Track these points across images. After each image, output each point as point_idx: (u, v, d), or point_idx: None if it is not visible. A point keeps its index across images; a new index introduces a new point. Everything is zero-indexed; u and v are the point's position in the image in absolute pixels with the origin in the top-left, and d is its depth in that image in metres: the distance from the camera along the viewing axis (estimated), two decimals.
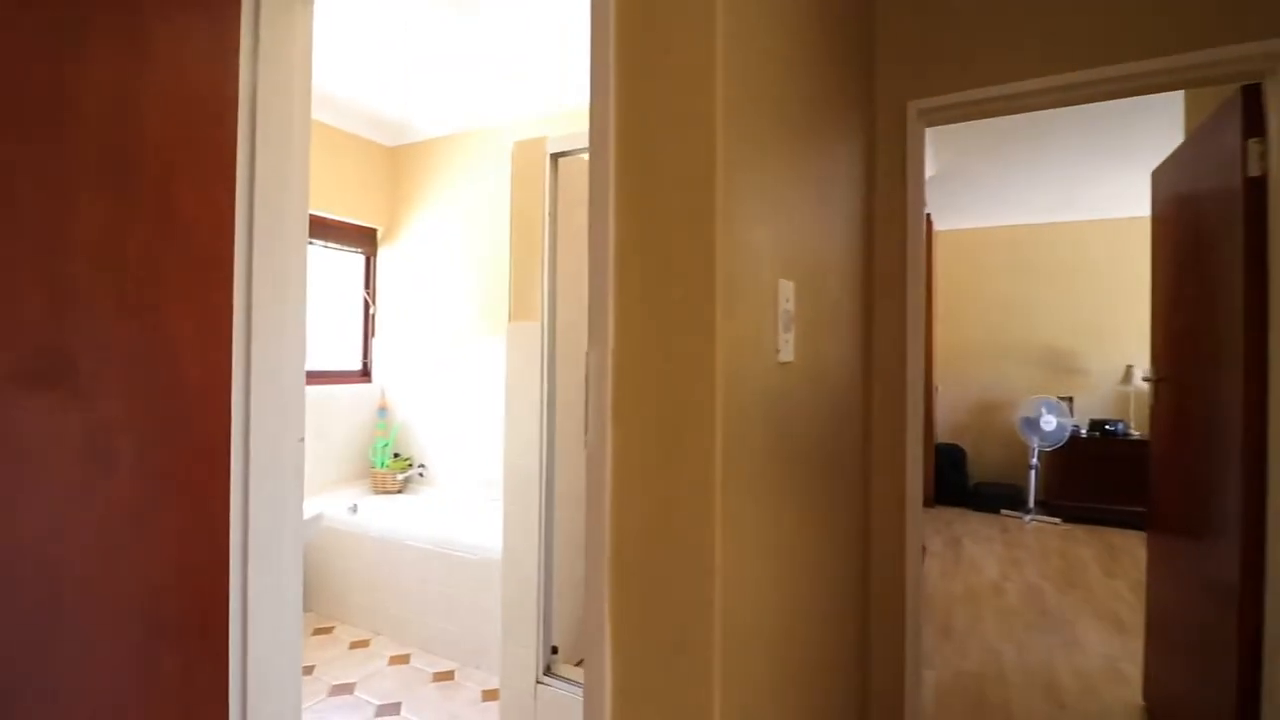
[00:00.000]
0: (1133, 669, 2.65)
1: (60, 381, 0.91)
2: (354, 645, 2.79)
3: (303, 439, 1.31)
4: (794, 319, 1.03)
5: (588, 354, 0.83)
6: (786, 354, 0.99)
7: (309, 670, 2.55)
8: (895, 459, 1.89)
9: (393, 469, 3.70)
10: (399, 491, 3.71)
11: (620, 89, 0.89)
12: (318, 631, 2.92)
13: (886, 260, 1.91)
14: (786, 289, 1.00)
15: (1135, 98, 2.06)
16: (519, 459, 2.29)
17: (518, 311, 2.32)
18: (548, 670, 2.20)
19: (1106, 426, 5.17)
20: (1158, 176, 2.45)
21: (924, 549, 2.51)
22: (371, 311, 4.03)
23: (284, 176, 1.25)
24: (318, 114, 3.52)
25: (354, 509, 3.44)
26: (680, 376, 0.78)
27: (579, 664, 2.41)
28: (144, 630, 1.02)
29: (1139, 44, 1.66)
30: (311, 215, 3.66)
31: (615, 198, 0.89)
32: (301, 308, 1.32)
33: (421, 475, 3.77)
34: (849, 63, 1.62)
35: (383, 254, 4.05)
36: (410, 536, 2.79)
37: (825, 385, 1.30)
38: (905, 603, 1.89)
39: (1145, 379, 2.48)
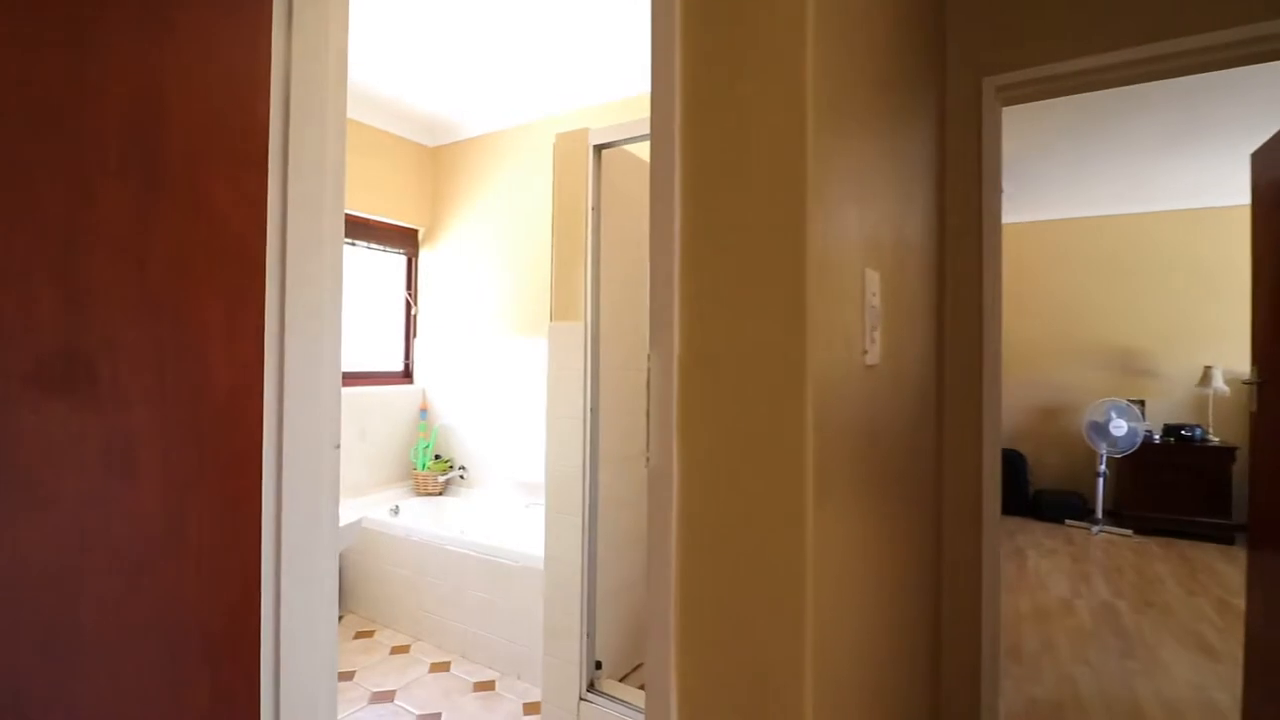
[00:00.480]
0: (1226, 699, 2.41)
1: (78, 385, 0.85)
2: (395, 650, 2.75)
3: (339, 445, 1.23)
4: (880, 315, 0.90)
5: (649, 356, 0.73)
6: (873, 355, 0.86)
7: (349, 676, 2.51)
8: (970, 469, 1.73)
9: (434, 471, 3.67)
10: (440, 493, 3.68)
11: (688, 72, 0.78)
12: (359, 635, 2.89)
13: (959, 254, 1.76)
14: (873, 281, 0.87)
15: (1230, 70, 1.85)
16: (561, 463, 2.20)
17: (559, 311, 2.23)
18: (591, 686, 2.10)
19: (1182, 432, 4.82)
20: (1260, 159, 2.21)
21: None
22: (413, 313, 4.02)
23: (320, 165, 1.18)
24: (358, 114, 3.51)
25: (395, 511, 3.41)
26: (763, 380, 0.67)
27: (624, 679, 2.31)
28: (170, 650, 0.95)
29: (1243, 6, 1.47)
30: (353, 216, 3.67)
31: (682, 187, 0.78)
32: (338, 305, 1.25)
33: (463, 478, 3.73)
34: (920, 35, 1.48)
35: (424, 255, 4.03)
36: (451, 541, 2.73)
37: (904, 389, 1.16)
38: (981, 628, 1.73)
39: (1242, 381, 2.25)
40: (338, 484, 1.25)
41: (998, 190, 1.72)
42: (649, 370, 0.72)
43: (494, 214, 3.70)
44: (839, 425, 0.75)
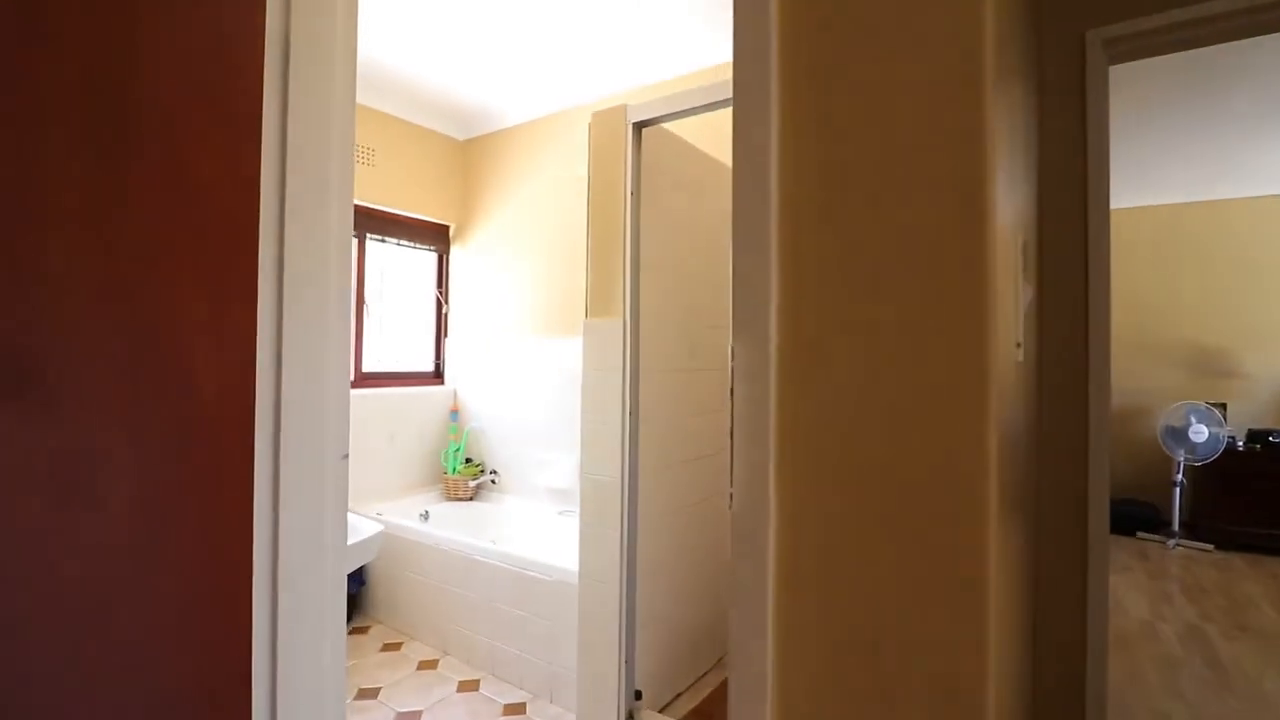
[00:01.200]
0: None
1: (24, 391, 0.70)
2: (422, 666, 2.61)
3: (347, 455, 1.08)
4: (1023, 304, 0.69)
5: (731, 351, 0.54)
6: (1023, 350, 0.66)
7: (374, 694, 2.38)
8: (1074, 481, 1.49)
9: (464, 475, 3.54)
10: (470, 498, 3.54)
11: (791, 30, 0.60)
12: (386, 647, 2.77)
13: (1060, 241, 1.52)
14: (1017, 263, 0.66)
15: None
16: (597, 471, 2.03)
17: (596, 306, 2.05)
18: (630, 718, 1.92)
19: (1270, 438, 4.42)
20: None
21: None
22: (444, 311, 3.90)
23: (324, 136, 1.02)
24: (386, 106, 3.39)
25: (425, 516, 3.29)
26: (921, 373, 0.48)
27: (664, 709, 2.12)
28: (144, 710, 0.80)
29: None
30: (382, 212, 3.56)
31: (781, 144, 0.59)
32: (346, 302, 1.08)
33: (494, 482, 3.59)
34: None
35: (455, 252, 3.91)
36: (480, 551, 2.58)
37: (1026, 390, 0.95)
38: (1086, 663, 1.49)
39: None
40: (345, 499, 1.10)
41: (1105, 166, 1.48)
42: (731, 370, 0.53)
43: (526, 208, 3.54)
44: (1002, 429, 0.55)
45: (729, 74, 0.75)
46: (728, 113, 0.80)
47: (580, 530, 2.07)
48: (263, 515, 0.93)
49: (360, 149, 3.29)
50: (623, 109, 1.98)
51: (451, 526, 3.27)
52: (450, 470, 3.55)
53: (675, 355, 2.22)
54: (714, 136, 2.73)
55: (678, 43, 2.70)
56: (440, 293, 3.91)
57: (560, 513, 3.23)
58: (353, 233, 1.12)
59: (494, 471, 3.60)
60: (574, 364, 3.28)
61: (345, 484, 1.10)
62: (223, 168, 0.89)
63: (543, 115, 3.47)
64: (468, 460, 3.65)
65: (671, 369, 2.20)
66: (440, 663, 2.63)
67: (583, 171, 3.29)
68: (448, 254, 3.93)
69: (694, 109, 1.81)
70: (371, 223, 3.48)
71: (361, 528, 2.09)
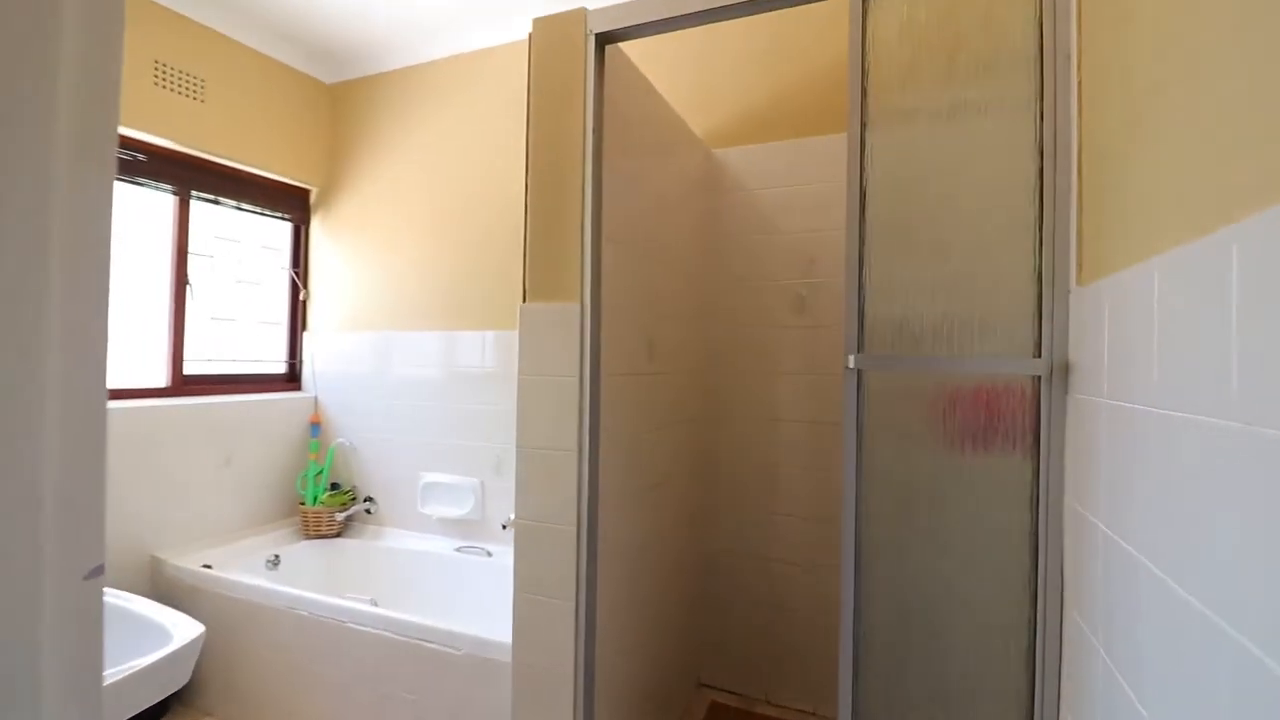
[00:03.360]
0: None
1: None
2: None
3: (100, 568, 0.47)
4: None
5: None
6: None
7: None
8: None
9: (329, 505, 2.78)
10: (338, 534, 2.80)
11: None
12: None
13: None
14: None
15: None
16: (541, 500, 1.48)
17: (539, 287, 1.51)
18: None
19: None
20: None
21: None
22: (303, 297, 3.10)
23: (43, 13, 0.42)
24: (224, 24, 2.58)
25: (274, 562, 2.51)
26: None
27: None
28: None
29: None
30: (215, 164, 2.69)
31: None
32: (97, 278, 0.47)
33: (370, 512, 2.87)
34: None
35: (318, 223, 3.12)
36: (354, 615, 1.91)
37: None
38: None
39: None
40: (99, 662, 0.49)
41: None
42: None
43: (416, 170, 2.87)
44: None
45: None
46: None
47: (515, 576, 1.50)
48: None
49: (181, 75, 2.46)
50: (581, 14, 1.44)
51: (312, 576, 2.52)
52: (310, 500, 2.78)
53: (635, 355, 1.72)
54: (666, 75, 2.27)
55: None
56: (297, 273, 3.10)
57: (460, 549, 2.60)
58: (115, 165, 0.51)
59: (369, 499, 2.87)
60: (475, 362, 2.67)
61: (99, 607, 0.49)
62: None
63: (445, 55, 2.81)
64: (333, 486, 2.89)
65: (630, 373, 1.69)
66: None
67: (495, 125, 2.70)
68: (308, 225, 3.13)
69: (689, 16, 1.32)
70: (199, 178, 2.63)
71: (155, 632, 1.38)
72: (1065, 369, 1.03)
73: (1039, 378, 1.05)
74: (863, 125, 1.19)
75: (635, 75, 1.69)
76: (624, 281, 1.64)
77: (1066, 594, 1.02)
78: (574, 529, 1.42)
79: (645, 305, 1.81)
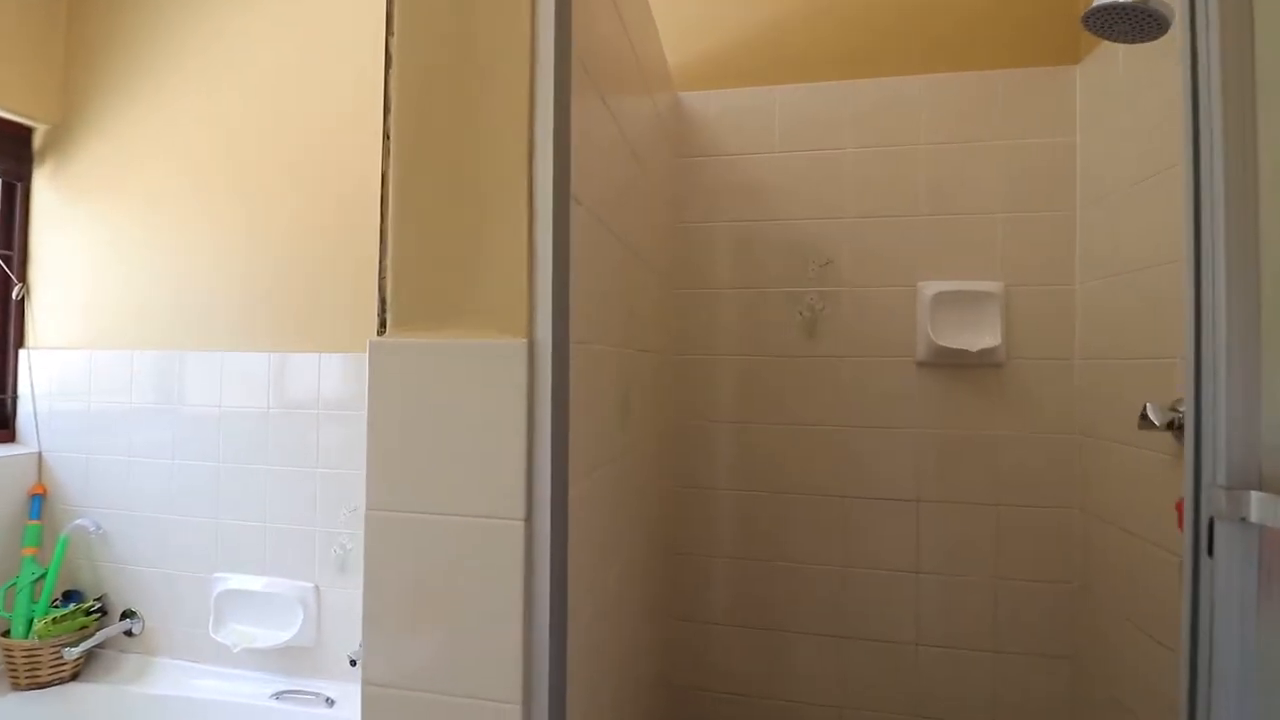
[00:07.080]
0: None
1: None
2: None
3: None
4: None
5: None
6: None
7: None
8: None
9: (57, 635, 1.72)
10: (71, 678, 1.75)
11: None
12: None
13: None
14: None
15: None
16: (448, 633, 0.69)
17: (422, 306, 0.71)
18: None
19: None
20: None
21: None
22: (18, 294, 1.97)
23: None
24: None
25: None
26: None
27: None
28: None
29: None
30: None
31: None
32: None
33: (132, 635, 1.84)
34: None
35: (45, 179, 2.00)
36: None
37: None
38: None
39: None
40: None
41: None
42: None
43: (224, 92, 1.87)
44: None
45: None
46: None
47: None
48: None
49: None
50: None
51: None
52: (21, 629, 1.71)
53: (605, 427, 0.97)
54: None
55: None
56: (7, 257, 1.97)
57: (280, 696, 1.68)
58: None
59: (130, 614, 1.84)
60: (311, 395, 1.76)
61: None
62: None
63: None
64: (68, 598, 1.82)
65: (604, 461, 0.94)
66: None
67: (358, 26, 1.75)
68: (27, 183, 2.00)
69: None
70: None
71: None
72: None
73: None
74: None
75: None
76: (595, 297, 0.88)
77: None
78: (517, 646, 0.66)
79: (623, 333, 1.07)
